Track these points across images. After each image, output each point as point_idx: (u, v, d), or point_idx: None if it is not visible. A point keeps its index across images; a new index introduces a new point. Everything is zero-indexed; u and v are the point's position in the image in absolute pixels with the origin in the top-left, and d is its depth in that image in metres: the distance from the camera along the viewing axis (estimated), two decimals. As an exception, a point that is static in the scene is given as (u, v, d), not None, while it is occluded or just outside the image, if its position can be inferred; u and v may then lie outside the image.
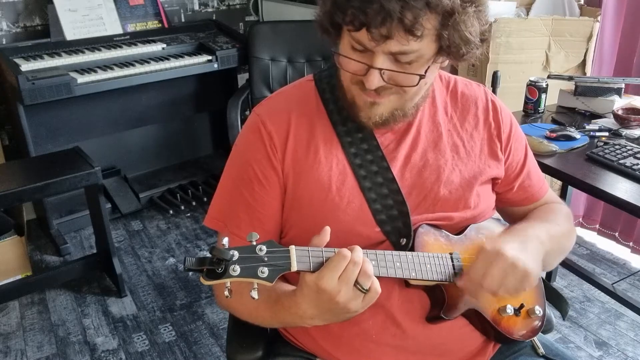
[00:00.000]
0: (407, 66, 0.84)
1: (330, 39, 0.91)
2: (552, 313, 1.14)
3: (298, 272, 0.78)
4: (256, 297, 0.74)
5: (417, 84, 0.85)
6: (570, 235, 1.07)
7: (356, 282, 0.77)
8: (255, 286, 0.74)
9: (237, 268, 0.72)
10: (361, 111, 0.90)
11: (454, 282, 0.91)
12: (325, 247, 0.80)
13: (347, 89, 0.91)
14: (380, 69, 0.82)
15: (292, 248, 0.77)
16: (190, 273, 2.41)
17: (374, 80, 0.83)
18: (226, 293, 0.73)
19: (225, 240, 0.74)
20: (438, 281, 0.90)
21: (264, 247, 0.75)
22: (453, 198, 0.97)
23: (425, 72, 0.85)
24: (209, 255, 0.72)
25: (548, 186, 1.13)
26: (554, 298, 1.14)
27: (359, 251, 0.79)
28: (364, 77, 0.84)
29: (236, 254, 0.73)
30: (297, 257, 0.77)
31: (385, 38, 0.79)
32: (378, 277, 0.80)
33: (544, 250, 0.95)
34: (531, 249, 0.91)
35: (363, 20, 0.78)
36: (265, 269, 0.74)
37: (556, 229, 1.01)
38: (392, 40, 0.79)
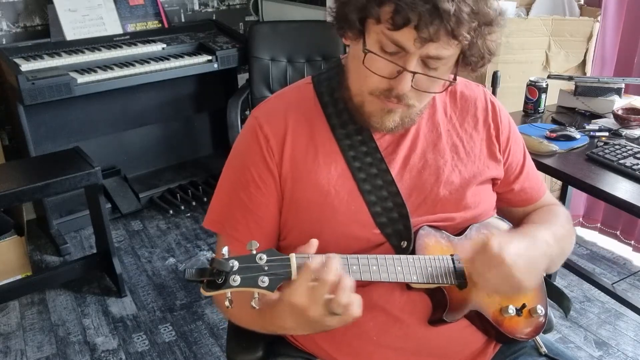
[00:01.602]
0: (434, 72, 0.83)
1: (349, 37, 0.87)
2: (553, 312, 1.14)
3: None
4: (256, 306, 0.73)
5: (442, 91, 0.86)
6: (572, 237, 1.07)
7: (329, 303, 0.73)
8: (256, 296, 0.73)
9: (238, 278, 0.72)
10: (373, 117, 0.89)
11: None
12: (327, 252, 0.78)
13: (357, 93, 0.90)
14: (414, 73, 0.81)
15: (293, 256, 0.76)
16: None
17: (407, 84, 0.81)
18: (227, 303, 0.72)
19: (225, 250, 0.73)
20: (440, 284, 0.90)
21: (264, 256, 0.74)
22: (453, 198, 0.96)
23: (454, 77, 0.85)
24: (208, 266, 0.71)
25: (546, 187, 1.14)
26: (556, 296, 1.14)
27: (331, 270, 0.73)
28: (393, 81, 0.83)
29: (236, 264, 0.72)
30: (297, 265, 0.76)
31: (429, 40, 0.77)
32: (380, 283, 0.79)
33: (550, 254, 0.94)
34: (535, 255, 0.91)
35: (411, 18, 0.75)
36: (266, 278, 0.73)
37: (560, 231, 1.01)
38: (434, 43, 0.78)
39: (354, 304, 0.74)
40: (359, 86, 0.88)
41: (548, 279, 1.08)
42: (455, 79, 0.86)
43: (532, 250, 0.90)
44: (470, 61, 0.84)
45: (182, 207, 2.91)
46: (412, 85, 0.82)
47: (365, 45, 0.83)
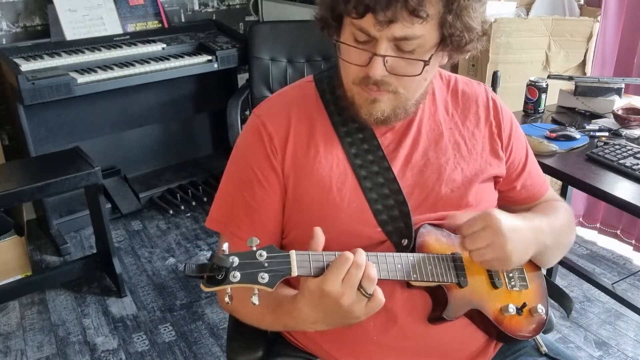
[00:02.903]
0: (410, 54, 0.84)
1: (330, 34, 0.90)
2: (553, 312, 1.14)
3: (299, 277, 0.77)
4: (257, 302, 0.73)
5: (420, 73, 0.85)
6: (571, 231, 1.07)
7: (360, 286, 0.77)
8: (256, 292, 0.74)
9: (237, 274, 0.72)
10: (361, 108, 0.90)
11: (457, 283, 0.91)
12: (326, 250, 0.79)
13: (347, 88, 0.91)
14: (384, 56, 0.82)
15: (293, 253, 0.77)
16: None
17: (378, 68, 0.83)
18: (227, 299, 0.72)
19: (226, 246, 0.74)
20: (440, 282, 0.90)
21: (264, 253, 0.74)
22: (455, 197, 0.97)
23: (429, 58, 0.85)
24: (208, 262, 0.72)
25: (549, 185, 1.14)
26: (558, 296, 1.14)
27: (361, 254, 0.78)
28: (367, 67, 0.84)
29: (236, 260, 0.73)
30: (297, 262, 0.76)
31: (389, 22, 0.79)
32: (380, 280, 0.80)
33: (544, 242, 0.95)
34: (528, 237, 0.91)
35: (368, 3, 0.78)
36: (266, 275, 0.73)
37: (557, 223, 1.01)
38: (396, 24, 0.79)
39: (379, 289, 0.79)
40: (345, 79, 0.91)
41: (549, 278, 1.07)
42: (430, 59, 0.85)
43: (525, 232, 0.91)
44: (452, 41, 0.84)
45: (182, 207, 2.91)
46: (387, 70, 0.83)
47: (339, 39, 0.87)
